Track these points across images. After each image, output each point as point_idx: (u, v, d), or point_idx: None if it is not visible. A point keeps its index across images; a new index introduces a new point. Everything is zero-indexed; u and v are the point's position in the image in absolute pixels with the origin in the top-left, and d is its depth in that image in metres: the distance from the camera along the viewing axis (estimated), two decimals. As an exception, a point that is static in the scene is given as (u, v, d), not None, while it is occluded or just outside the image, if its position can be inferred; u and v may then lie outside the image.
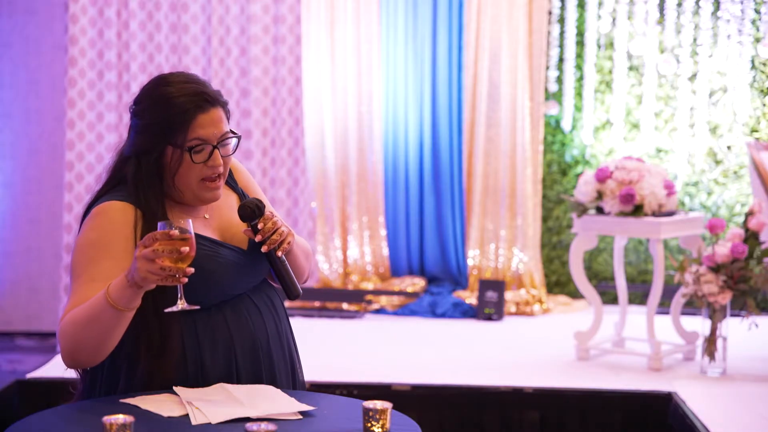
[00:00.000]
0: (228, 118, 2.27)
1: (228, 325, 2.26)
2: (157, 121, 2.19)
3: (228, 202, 2.35)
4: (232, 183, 2.40)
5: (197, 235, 2.22)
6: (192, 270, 2.03)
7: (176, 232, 2.00)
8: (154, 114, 2.20)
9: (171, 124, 2.18)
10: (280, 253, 2.22)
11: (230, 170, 2.40)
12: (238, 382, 2.25)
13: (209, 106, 2.21)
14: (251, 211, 2.22)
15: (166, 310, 2.10)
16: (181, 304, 2.08)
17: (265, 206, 2.24)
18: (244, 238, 2.30)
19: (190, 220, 2.05)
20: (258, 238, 2.21)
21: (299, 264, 2.38)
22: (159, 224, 2.03)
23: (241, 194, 2.40)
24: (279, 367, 2.33)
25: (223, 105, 2.25)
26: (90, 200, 2.27)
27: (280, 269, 2.24)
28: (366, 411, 1.93)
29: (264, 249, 2.21)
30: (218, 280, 2.24)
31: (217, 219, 2.32)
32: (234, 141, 2.26)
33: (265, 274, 2.37)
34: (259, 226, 2.21)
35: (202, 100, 2.20)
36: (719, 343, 4.65)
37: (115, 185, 2.26)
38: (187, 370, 2.21)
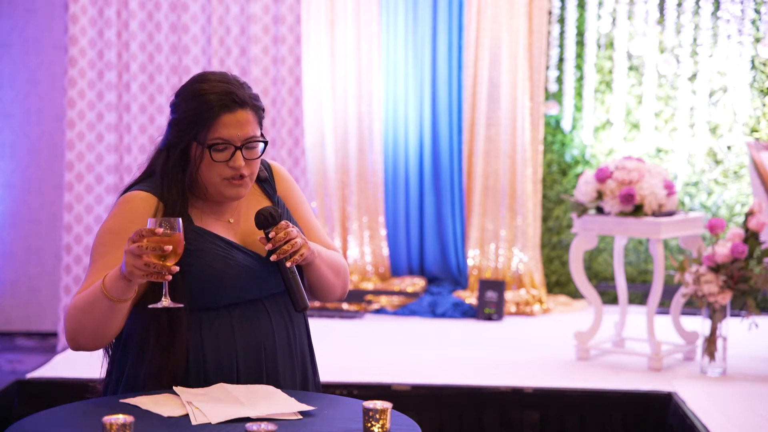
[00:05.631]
0: (260, 123, 2.27)
1: (233, 327, 2.26)
2: (186, 115, 2.23)
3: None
4: (269, 190, 2.40)
5: (213, 235, 2.25)
6: (177, 268, 2.03)
7: (161, 229, 2.01)
8: (185, 108, 2.23)
9: (196, 119, 2.21)
10: (289, 264, 2.20)
11: (272, 177, 2.41)
12: (238, 383, 2.24)
13: (236, 106, 2.22)
14: (265, 218, 2.21)
15: (149, 306, 2.11)
16: (165, 302, 2.09)
17: (281, 215, 2.22)
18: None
19: (180, 219, 2.06)
20: (268, 247, 2.20)
21: (326, 279, 2.36)
22: (149, 221, 2.04)
23: (276, 203, 2.39)
24: (284, 376, 2.31)
25: (254, 108, 2.25)
26: (122, 189, 2.31)
27: (288, 280, 2.22)
28: (366, 411, 1.93)
29: (273, 258, 2.20)
30: (228, 281, 2.24)
31: (242, 224, 2.32)
32: (261, 145, 2.25)
33: None
34: (271, 234, 2.20)
35: (229, 100, 2.21)
36: (719, 343, 4.65)
37: (147, 177, 2.30)
38: (188, 365, 2.22)
